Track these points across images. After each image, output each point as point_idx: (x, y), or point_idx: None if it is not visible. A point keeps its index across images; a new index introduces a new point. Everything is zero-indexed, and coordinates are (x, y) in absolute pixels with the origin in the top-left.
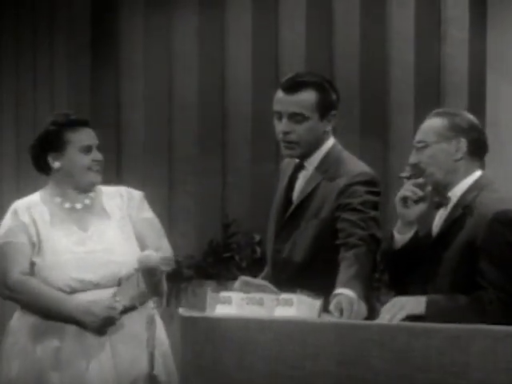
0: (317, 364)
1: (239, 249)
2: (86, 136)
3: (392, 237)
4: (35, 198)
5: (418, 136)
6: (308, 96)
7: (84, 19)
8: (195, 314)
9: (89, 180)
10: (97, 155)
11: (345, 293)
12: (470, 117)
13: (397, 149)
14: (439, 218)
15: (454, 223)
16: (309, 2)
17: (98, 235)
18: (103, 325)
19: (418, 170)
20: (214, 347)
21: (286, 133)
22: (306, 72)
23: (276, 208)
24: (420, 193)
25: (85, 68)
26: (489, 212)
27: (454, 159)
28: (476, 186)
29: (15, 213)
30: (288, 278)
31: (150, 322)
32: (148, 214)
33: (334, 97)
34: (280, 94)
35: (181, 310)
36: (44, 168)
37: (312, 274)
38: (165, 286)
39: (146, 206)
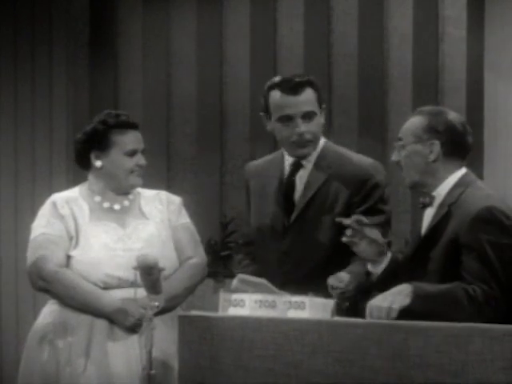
0: (314, 362)
1: (237, 247)
2: (132, 139)
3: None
4: (74, 193)
5: (399, 134)
6: (311, 93)
7: (82, 19)
8: (193, 312)
9: (129, 183)
10: (141, 160)
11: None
12: (450, 117)
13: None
14: (427, 217)
15: (440, 222)
16: (307, 1)
17: (136, 234)
18: (136, 324)
19: (400, 168)
20: (212, 346)
21: (302, 133)
22: (295, 74)
23: (272, 212)
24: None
25: (83, 68)
26: (472, 210)
27: (428, 161)
28: (460, 184)
29: (54, 205)
30: (302, 279)
31: (148, 321)
32: (186, 219)
33: (322, 91)
34: (285, 97)
35: (194, 312)
36: (85, 164)
37: (326, 274)
38: (163, 284)
39: (183, 211)
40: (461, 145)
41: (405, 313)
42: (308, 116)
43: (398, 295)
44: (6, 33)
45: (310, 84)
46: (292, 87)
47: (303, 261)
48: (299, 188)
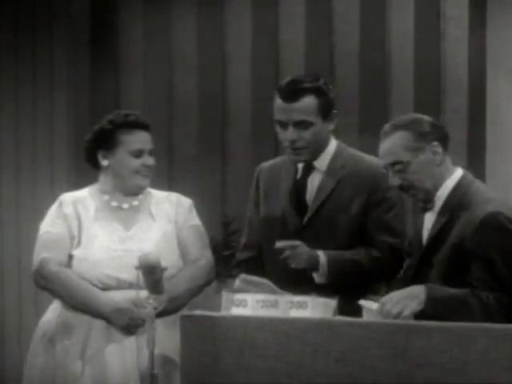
0: (315, 362)
1: (239, 247)
2: (139, 139)
3: None
4: (83, 192)
5: (389, 158)
6: (309, 102)
7: (83, 19)
8: (196, 312)
9: (135, 183)
10: (147, 160)
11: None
12: (425, 117)
13: None
14: (427, 221)
15: (443, 227)
16: (308, 1)
17: (139, 236)
18: (131, 324)
19: (405, 190)
20: (214, 345)
21: (292, 141)
22: (301, 76)
23: (284, 212)
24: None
25: (84, 68)
26: (476, 215)
27: (435, 165)
28: (460, 187)
29: (60, 204)
30: (312, 280)
31: (150, 321)
32: (195, 221)
33: (332, 96)
34: (281, 103)
35: (196, 312)
36: (94, 164)
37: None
38: (165, 284)
39: (193, 213)
40: (447, 135)
41: (415, 314)
42: (300, 125)
43: (412, 300)
44: (6, 33)
45: (312, 91)
46: (288, 94)
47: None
48: (312, 190)
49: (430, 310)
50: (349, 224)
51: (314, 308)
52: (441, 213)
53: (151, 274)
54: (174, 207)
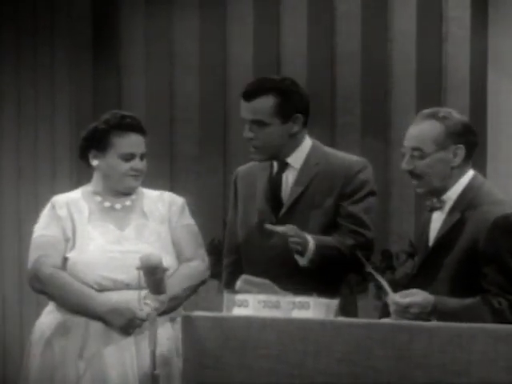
0: (318, 362)
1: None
2: (131, 143)
3: None
4: (76, 194)
5: (412, 142)
6: (265, 102)
7: (85, 19)
8: (197, 312)
9: (124, 185)
10: (137, 164)
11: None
12: (463, 118)
13: (398, 148)
14: (436, 221)
15: (452, 228)
16: (310, 2)
17: (134, 236)
18: (129, 325)
19: (413, 176)
20: (216, 346)
21: (249, 139)
22: (268, 77)
23: (260, 210)
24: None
25: (86, 68)
26: (489, 217)
27: (451, 166)
28: (471, 188)
29: (53, 206)
30: (289, 276)
31: (152, 322)
32: (188, 220)
33: (297, 99)
34: (242, 101)
35: (197, 312)
36: (87, 162)
37: (314, 271)
38: (166, 284)
39: (186, 212)
40: (476, 143)
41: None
42: (256, 124)
43: (420, 313)
44: (8, 36)
45: (271, 91)
46: (245, 93)
47: (291, 257)
48: (287, 186)
49: (438, 319)
50: (322, 219)
51: (315, 308)
52: (451, 213)
53: (153, 274)
54: (166, 206)
